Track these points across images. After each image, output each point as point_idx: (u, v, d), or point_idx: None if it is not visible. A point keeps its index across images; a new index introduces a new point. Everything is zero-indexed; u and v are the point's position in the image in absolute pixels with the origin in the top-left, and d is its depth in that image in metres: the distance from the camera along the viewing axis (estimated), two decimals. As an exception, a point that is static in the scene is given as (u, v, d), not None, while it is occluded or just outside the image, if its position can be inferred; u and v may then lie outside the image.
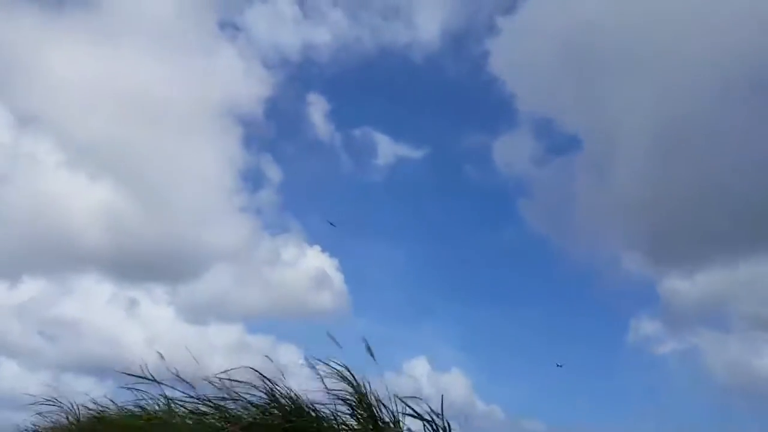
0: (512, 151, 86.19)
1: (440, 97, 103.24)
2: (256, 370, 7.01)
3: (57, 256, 69.27)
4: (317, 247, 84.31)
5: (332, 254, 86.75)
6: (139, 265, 72.51)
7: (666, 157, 71.86)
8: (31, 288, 65.52)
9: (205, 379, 7.13)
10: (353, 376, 6.52)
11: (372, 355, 6.56)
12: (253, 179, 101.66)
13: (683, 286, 69.75)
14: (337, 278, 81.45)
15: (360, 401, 6.35)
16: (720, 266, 70.23)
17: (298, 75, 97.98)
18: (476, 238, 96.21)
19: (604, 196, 78.38)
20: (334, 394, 6.52)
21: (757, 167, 69.03)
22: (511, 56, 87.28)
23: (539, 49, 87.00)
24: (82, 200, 69.13)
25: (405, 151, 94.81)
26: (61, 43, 77.92)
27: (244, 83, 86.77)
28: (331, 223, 77.64)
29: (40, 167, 69.67)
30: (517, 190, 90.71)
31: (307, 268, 76.76)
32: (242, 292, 74.06)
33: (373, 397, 6.39)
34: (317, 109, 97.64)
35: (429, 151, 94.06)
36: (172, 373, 7.36)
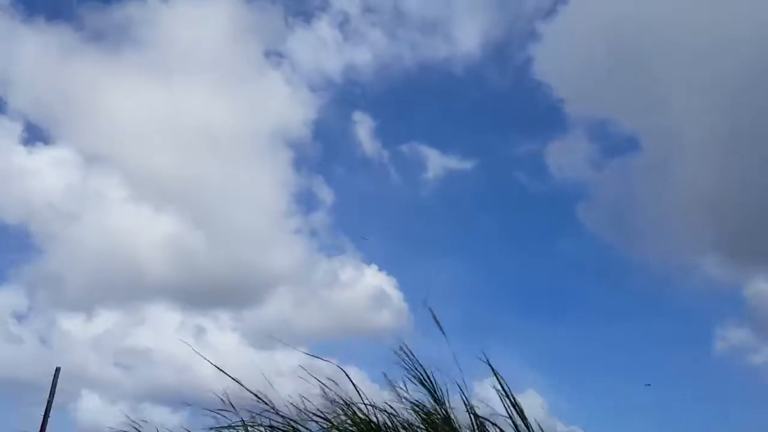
0: (566, 156, 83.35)
1: (486, 107, 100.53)
2: (330, 390, 6.94)
3: (127, 287, 71.76)
4: (374, 266, 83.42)
5: (390, 272, 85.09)
6: (204, 292, 74.16)
7: (733, 152, 67.90)
8: (105, 320, 68.02)
9: (279, 404, 7.10)
10: (434, 387, 6.36)
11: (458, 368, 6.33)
12: (305, 201, 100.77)
13: (770, 288, 64.57)
14: (396, 296, 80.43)
15: (445, 418, 6.17)
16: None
17: (343, 96, 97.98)
18: (537, 248, 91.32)
19: (669, 197, 74.48)
20: (413, 410, 6.37)
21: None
22: (556, 60, 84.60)
23: (585, 50, 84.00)
24: (148, 232, 71.56)
25: (454, 163, 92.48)
26: (121, 83, 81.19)
27: (291, 108, 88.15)
28: (363, 238, 76.96)
29: (107, 203, 72.63)
30: (574, 195, 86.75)
31: (366, 287, 76.16)
32: (304, 315, 74.43)
33: (453, 414, 6.21)
34: (363, 128, 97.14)
35: (479, 162, 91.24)
36: (249, 399, 7.34)
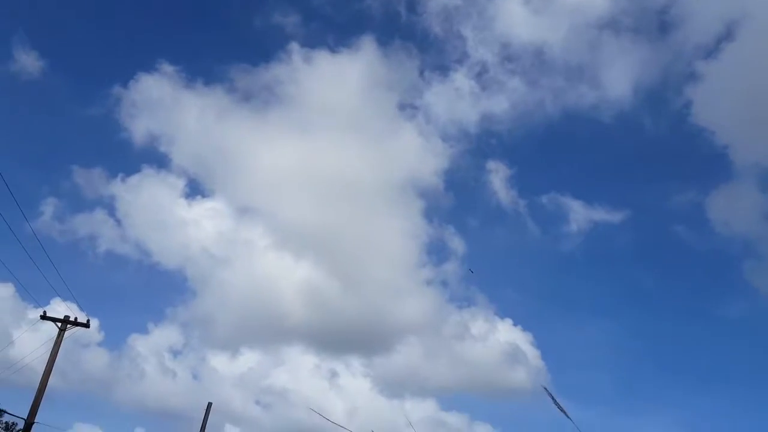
0: (731, 208, 76.05)
1: (638, 155, 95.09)
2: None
3: (268, 329, 75.41)
4: (509, 321, 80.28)
5: (525, 328, 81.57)
6: (337, 337, 76.01)
7: None
8: (248, 359, 71.69)
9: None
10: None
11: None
12: (437, 251, 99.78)
13: None
14: (532, 354, 76.36)
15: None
16: None
17: (477, 145, 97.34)
18: (696, 310, 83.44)
19: None
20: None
21: None
22: (719, 103, 78.49)
23: (752, 90, 77.29)
24: (289, 278, 75.14)
25: (602, 215, 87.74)
26: (267, 139, 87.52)
27: (423, 158, 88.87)
28: (470, 270, 74.81)
29: (253, 251, 77.56)
30: (742, 252, 78.53)
31: (499, 342, 73.05)
32: (434, 366, 73.18)
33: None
34: (498, 177, 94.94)
35: (630, 214, 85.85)
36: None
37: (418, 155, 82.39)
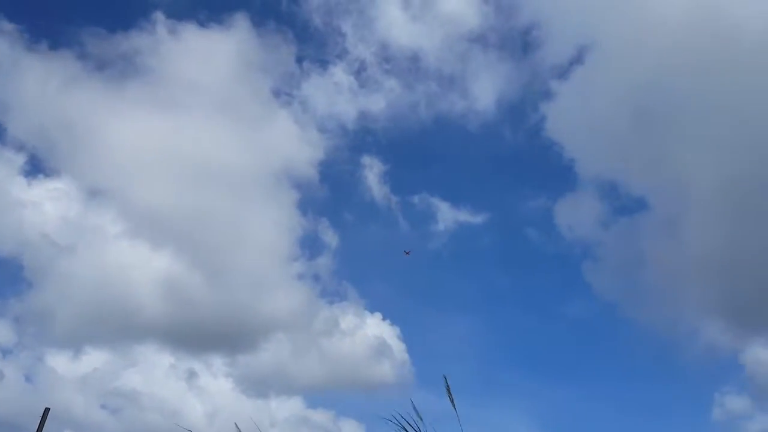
0: (575, 214, 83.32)
1: (498, 163, 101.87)
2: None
3: (118, 326, 69.27)
4: (378, 315, 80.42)
5: (394, 322, 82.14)
6: (197, 335, 71.46)
7: (741, 217, 68.15)
8: (93, 359, 65.48)
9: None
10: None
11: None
12: (310, 245, 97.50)
13: (768, 355, 64.32)
14: (398, 348, 77.00)
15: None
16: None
17: (354, 141, 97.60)
18: (544, 307, 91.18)
19: (675, 259, 74.30)
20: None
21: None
22: (568, 120, 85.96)
23: (597, 111, 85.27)
24: (143, 270, 69.70)
25: (465, 216, 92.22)
26: (124, 116, 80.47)
27: (299, 147, 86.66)
28: (406, 252, 75.08)
29: (103, 238, 71.11)
30: (582, 254, 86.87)
31: (367, 337, 73.08)
32: (301, 363, 71.40)
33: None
34: (372, 173, 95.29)
35: (490, 217, 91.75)
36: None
37: (293, 144, 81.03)
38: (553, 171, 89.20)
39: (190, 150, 73.21)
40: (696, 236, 67.95)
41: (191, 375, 64.14)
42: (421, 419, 6.09)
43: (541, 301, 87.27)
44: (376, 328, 70.85)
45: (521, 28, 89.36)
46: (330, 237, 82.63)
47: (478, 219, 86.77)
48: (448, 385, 5.67)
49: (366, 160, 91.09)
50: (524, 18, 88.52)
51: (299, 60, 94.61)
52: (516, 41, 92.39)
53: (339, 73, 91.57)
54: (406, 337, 75.17)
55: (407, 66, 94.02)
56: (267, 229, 74.85)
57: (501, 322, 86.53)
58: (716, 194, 66.00)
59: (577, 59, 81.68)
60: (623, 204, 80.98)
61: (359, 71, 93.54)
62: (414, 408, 6.07)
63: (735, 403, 66.33)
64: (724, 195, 65.83)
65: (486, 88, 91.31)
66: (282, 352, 68.67)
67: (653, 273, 73.11)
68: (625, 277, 76.49)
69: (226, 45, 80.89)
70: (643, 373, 75.12)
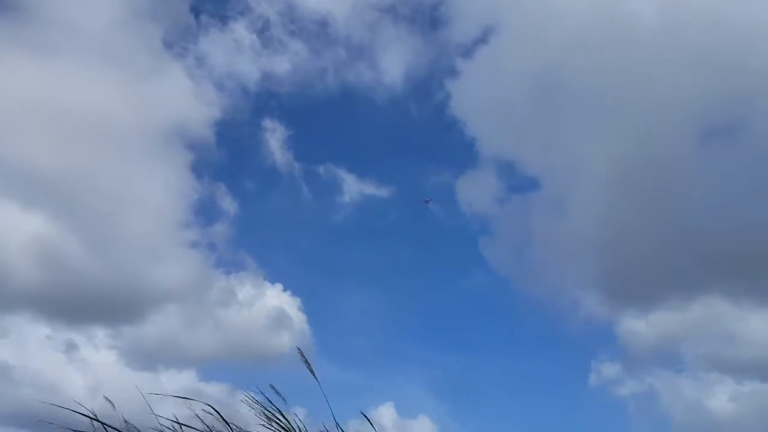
0: (474, 191, 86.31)
1: (404, 137, 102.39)
2: (215, 410, 6.87)
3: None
4: (279, 285, 78.83)
5: (295, 293, 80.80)
6: (77, 304, 66.91)
7: (622, 198, 73.68)
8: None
9: (156, 428, 6.93)
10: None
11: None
12: (205, 212, 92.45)
13: (639, 327, 70.99)
14: (299, 318, 76.53)
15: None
16: (674, 307, 72.42)
17: (255, 103, 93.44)
18: (443, 280, 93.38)
19: (562, 235, 79.46)
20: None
21: (711, 210, 71.65)
22: (472, 99, 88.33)
23: (499, 92, 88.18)
24: (13, 232, 63.62)
25: (371, 189, 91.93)
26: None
27: (193, 105, 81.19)
28: (426, 201, 72.61)
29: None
30: (479, 229, 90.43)
31: (266, 307, 71.54)
32: (194, 335, 68.72)
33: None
34: (275, 137, 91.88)
35: (395, 190, 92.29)
36: (122, 422, 7.10)
37: (187, 101, 75.71)
38: (456, 148, 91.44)
39: (67, 101, 66.86)
40: (580, 215, 72.78)
41: (70, 347, 60.37)
42: (285, 401, 6.66)
43: (441, 274, 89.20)
44: (275, 299, 69.55)
45: (430, 2, 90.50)
46: (228, 203, 79.50)
47: (383, 192, 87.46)
48: (305, 358, 6.34)
49: (268, 123, 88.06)
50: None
51: (196, 12, 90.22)
52: (425, 16, 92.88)
53: (240, 30, 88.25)
54: (308, 309, 73.48)
55: (315, 30, 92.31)
56: (156, 192, 69.66)
57: (402, 295, 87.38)
58: (601, 176, 70.74)
59: (482, 39, 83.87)
60: (518, 183, 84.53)
61: (262, 30, 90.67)
62: (275, 390, 6.59)
63: (609, 370, 72.29)
64: (607, 177, 70.75)
65: (394, 62, 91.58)
66: (173, 324, 65.66)
67: (541, 249, 77.70)
68: (517, 252, 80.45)
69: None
70: (531, 342, 79.67)
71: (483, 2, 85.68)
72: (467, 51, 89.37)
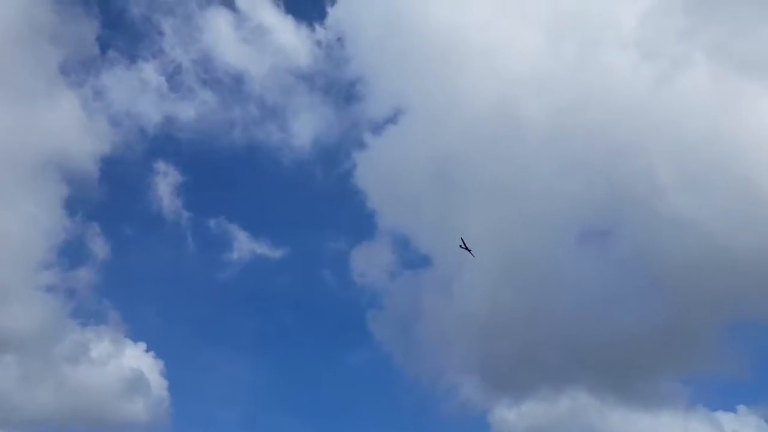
0: (368, 262, 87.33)
1: (305, 201, 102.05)
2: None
3: None
4: (141, 345, 71.91)
5: (159, 354, 73.98)
6: None
7: (504, 287, 77.15)
8: None
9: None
10: None
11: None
12: (71, 253, 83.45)
13: (511, 416, 72.83)
14: (159, 384, 69.76)
15: None
16: (543, 398, 75.22)
17: (152, 144, 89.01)
18: (326, 351, 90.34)
19: (448, 316, 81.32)
20: None
21: (583, 307, 76.34)
22: (376, 173, 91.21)
23: (401, 169, 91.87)
24: None
25: (263, 249, 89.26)
26: None
27: (80, 136, 74.82)
28: (466, 248, 68.90)
29: None
30: (369, 302, 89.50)
31: (123, 368, 64.14)
32: (31, 393, 59.02)
33: None
34: (166, 182, 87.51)
35: (288, 252, 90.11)
36: None
37: (74, 131, 70.30)
38: (355, 218, 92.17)
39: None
40: (466, 298, 74.88)
41: None
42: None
43: (325, 345, 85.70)
44: (135, 360, 63.61)
45: (348, 79, 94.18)
46: (99, 246, 73.06)
47: (276, 254, 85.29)
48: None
49: (161, 166, 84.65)
50: (352, 70, 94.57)
51: (103, 45, 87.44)
52: (341, 90, 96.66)
53: (149, 71, 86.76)
54: (171, 374, 67.82)
55: (229, 84, 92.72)
56: (17, 224, 62.82)
57: (282, 365, 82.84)
58: (487, 263, 73.86)
59: (392, 119, 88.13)
60: (412, 258, 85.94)
61: (173, 74, 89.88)
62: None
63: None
64: (493, 264, 73.88)
65: (305, 126, 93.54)
66: (7, 378, 57.84)
67: (427, 328, 78.60)
68: (403, 328, 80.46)
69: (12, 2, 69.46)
70: (407, 425, 77.71)
71: (396, 86, 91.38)
72: (377, 128, 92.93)
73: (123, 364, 61.86)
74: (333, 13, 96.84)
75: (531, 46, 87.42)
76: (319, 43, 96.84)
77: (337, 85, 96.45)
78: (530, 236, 76.51)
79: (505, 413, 73.00)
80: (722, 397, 73.61)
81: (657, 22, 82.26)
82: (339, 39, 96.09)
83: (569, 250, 75.95)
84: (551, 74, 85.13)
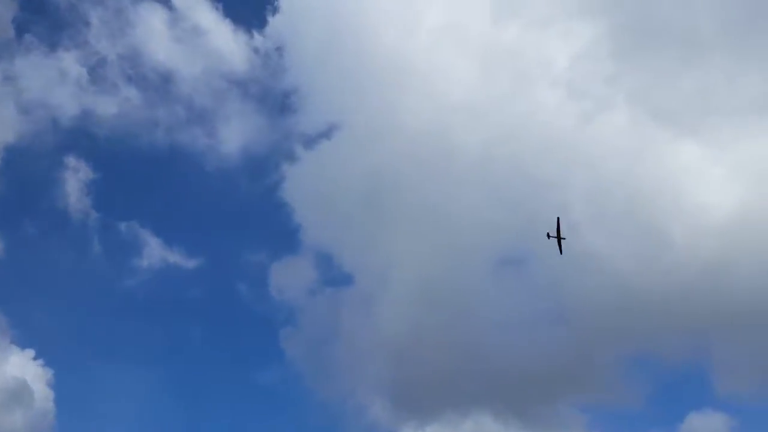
0: (288, 278, 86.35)
1: (227, 210, 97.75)
2: None
3: None
4: (29, 352, 67.23)
5: (48, 363, 69.03)
6: None
7: (420, 310, 78.90)
8: None
9: None
10: None
11: None
12: None
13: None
14: (44, 395, 65.81)
15: None
16: (449, 421, 76.88)
17: (65, 137, 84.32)
18: (234, 368, 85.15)
19: (363, 337, 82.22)
20: None
21: (491, 333, 78.81)
22: (304, 187, 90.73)
23: (331, 186, 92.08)
24: None
25: (176, 258, 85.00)
26: None
27: None
28: (559, 238, 67.02)
29: None
30: (285, 319, 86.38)
31: (4, 377, 59.35)
32: None
33: None
34: (76, 178, 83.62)
35: (203, 262, 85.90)
36: None
37: None
38: (278, 231, 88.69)
39: None
40: (383, 319, 76.16)
41: None
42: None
43: (234, 361, 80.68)
44: (19, 369, 60.07)
45: (284, 89, 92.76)
46: None
47: (190, 263, 79.92)
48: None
49: (72, 161, 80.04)
50: (289, 81, 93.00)
51: (19, 28, 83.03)
52: (276, 99, 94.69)
53: (69, 61, 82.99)
54: (60, 385, 64.17)
55: (156, 83, 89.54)
56: None
57: (185, 380, 76.57)
58: (406, 285, 75.50)
59: (326, 134, 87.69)
60: (334, 276, 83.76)
61: (96, 67, 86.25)
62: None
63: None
64: (411, 287, 75.61)
65: (234, 133, 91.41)
66: None
67: (341, 348, 78.18)
68: (317, 348, 78.68)
69: None
70: None
71: (333, 102, 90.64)
72: (309, 141, 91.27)
73: (5, 372, 57.62)
74: (274, 22, 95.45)
75: (468, 75, 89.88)
76: (256, 50, 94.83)
77: (272, 95, 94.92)
78: (451, 261, 78.67)
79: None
80: (617, 424, 77.21)
81: (586, 65, 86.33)
82: (278, 48, 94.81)
83: (486, 277, 78.58)
84: (484, 104, 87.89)
